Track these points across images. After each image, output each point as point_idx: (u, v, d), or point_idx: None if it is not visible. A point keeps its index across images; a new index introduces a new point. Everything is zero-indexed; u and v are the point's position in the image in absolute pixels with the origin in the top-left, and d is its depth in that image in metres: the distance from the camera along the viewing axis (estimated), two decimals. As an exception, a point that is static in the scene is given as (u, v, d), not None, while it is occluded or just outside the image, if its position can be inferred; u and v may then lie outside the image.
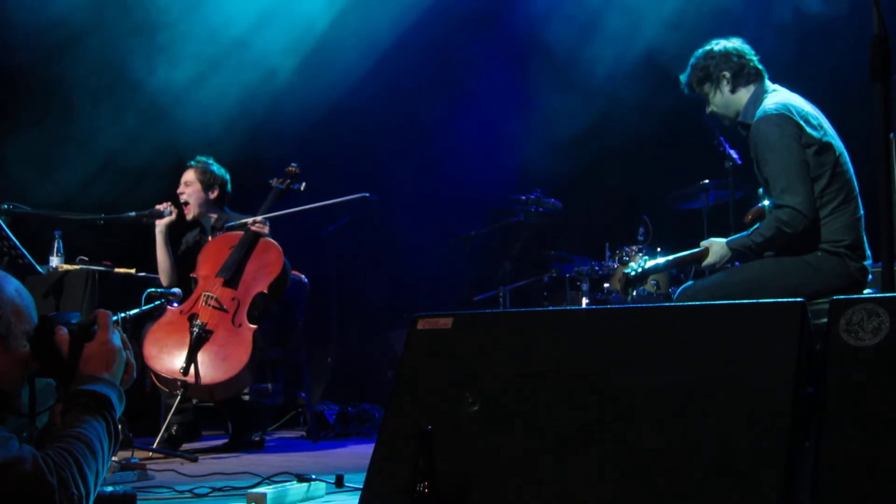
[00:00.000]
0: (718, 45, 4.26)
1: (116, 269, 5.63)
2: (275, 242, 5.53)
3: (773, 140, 3.92)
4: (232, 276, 5.36)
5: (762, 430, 2.09)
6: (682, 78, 4.37)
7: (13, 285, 2.13)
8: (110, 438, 2.09)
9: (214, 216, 5.84)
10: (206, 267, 5.47)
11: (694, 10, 7.04)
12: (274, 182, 5.85)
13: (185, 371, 4.94)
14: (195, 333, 5.05)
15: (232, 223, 5.60)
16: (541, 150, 7.94)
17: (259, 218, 5.56)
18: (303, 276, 5.92)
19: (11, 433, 1.92)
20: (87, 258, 5.62)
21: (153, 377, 5.12)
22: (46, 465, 1.89)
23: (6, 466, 1.84)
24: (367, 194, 5.77)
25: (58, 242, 5.60)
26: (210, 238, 5.79)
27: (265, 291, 5.40)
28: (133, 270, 5.72)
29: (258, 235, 5.52)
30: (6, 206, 5.16)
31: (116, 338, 2.21)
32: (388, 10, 7.73)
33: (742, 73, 4.19)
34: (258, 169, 6.65)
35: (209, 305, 5.22)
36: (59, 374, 2.18)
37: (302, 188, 5.84)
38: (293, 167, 5.88)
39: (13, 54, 6.78)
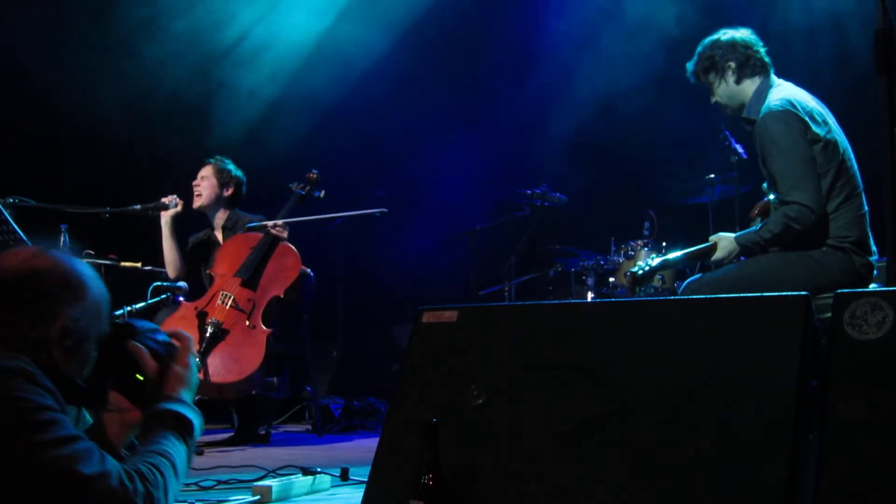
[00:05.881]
0: (726, 34, 4.25)
1: (122, 263, 5.64)
2: (293, 248, 5.55)
3: (779, 137, 3.91)
4: (250, 277, 5.39)
5: (766, 424, 2.09)
6: (689, 66, 4.36)
7: (101, 283, 2.06)
8: (188, 463, 2.03)
9: (225, 215, 5.87)
10: (224, 265, 5.50)
11: (699, 5, 7.02)
12: (294, 187, 5.86)
13: (198, 368, 4.95)
14: (210, 331, 5.07)
15: (253, 223, 5.62)
16: (546, 143, 7.93)
17: (280, 222, 5.58)
18: (308, 270, 5.93)
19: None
20: (92, 252, 5.62)
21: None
22: (132, 482, 1.82)
23: (92, 480, 1.76)
24: (386, 209, 5.79)
25: (64, 236, 5.61)
26: (219, 236, 5.82)
27: (280, 295, 5.44)
28: (139, 264, 5.73)
29: (277, 239, 5.54)
30: (11, 200, 5.16)
31: (194, 361, 2.23)
32: (393, 8, 7.73)
33: (748, 65, 4.17)
34: (263, 166, 6.67)
35: (226, 305, 5.24)
36: (135, 391, 2.14)
37: (322, 195, 5.85)
38: (314, 174, 5.89)
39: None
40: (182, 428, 2.05)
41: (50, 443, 1.75)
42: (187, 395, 2.15)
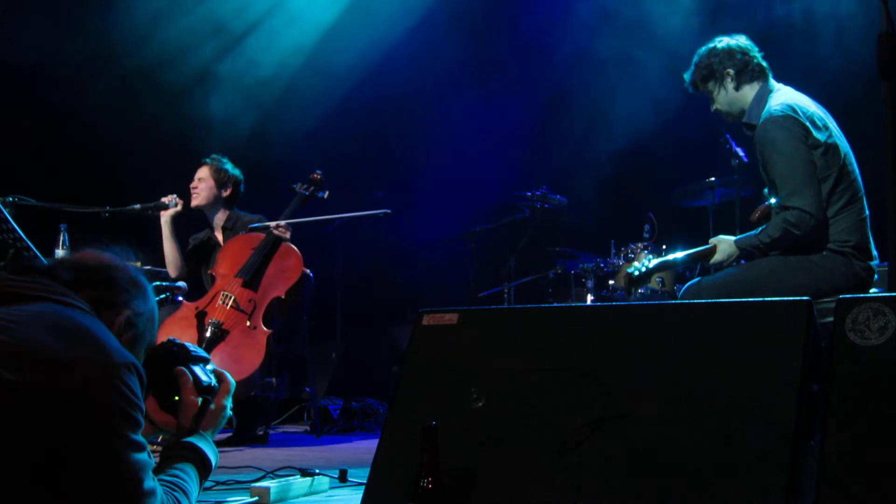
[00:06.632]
0: (722, 42, 4.24)
1: (122, 263, 5.61)
2: (295, 249, 5.54)
3: (779, 142, 3.90)
4: (251, 277, 5.38)
5: (767, 429, 2.09)
6: (686, 76, 4.35)
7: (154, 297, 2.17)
8: (196, 497, 2.11)
9: (224, 215, 5.86)
10: (226, 265, 5.48)
11: (700, 8, 7.03)
12: (298, 188, 5.84)
13: None
14: (210, 331, 5.06)
15: (256, 224, 5.61)
16: (547, 145, 7.93)
17: (282, 222, 5.56)
18: (308, 271, 5.92)
19: None
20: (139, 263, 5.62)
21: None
22: None
23: (145, 494, 1.81)
24: (389, 210, 5.78)
25: (63, 235, 5.60)
26: (219, 237, 5.81)
27: (282, 296, 5.42)
28: (138, 264, 5.72)
29: (280, 240, 5.53)
30: (11, 199, 5.15)
31: (230, 403, 2.30)
32: (393, 8, 7.73)
33: (746, 70, 4.16)
34: (264, 166, 6.66)
35: (227, 305, 5.23)
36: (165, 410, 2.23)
37: (325, 196, 5.84)
38: (318, 174, 5.87)
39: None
40: (202, 468, 2.15)
41: (132, 443, 1.81)
42: (212, 435, 2.25)
